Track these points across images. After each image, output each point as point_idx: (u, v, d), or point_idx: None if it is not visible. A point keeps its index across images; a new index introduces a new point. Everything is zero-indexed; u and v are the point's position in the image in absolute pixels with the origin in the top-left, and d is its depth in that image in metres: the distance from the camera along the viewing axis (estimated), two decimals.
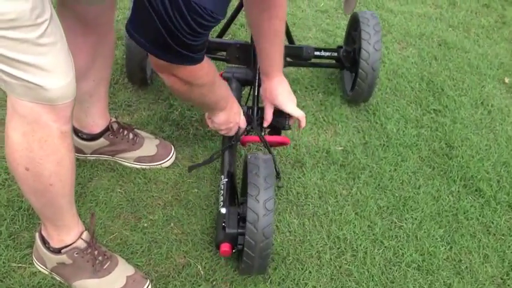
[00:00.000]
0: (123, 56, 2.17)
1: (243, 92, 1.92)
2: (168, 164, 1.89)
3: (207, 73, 1.33)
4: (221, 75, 1.82)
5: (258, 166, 1.49)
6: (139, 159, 1.86)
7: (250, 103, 1.79)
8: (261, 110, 1.74)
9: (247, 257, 1.47)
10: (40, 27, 1.11)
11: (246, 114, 1.70)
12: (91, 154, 1.85)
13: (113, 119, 1.83)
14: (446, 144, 2.14)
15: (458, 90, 2.43)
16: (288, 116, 1.69)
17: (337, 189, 1.90)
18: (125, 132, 1.84)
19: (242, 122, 1.67)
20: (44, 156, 1.27)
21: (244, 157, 1.60)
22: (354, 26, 2.20)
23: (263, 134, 1.74)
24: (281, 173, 1.64)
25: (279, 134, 1.77)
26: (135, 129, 1.90)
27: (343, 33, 2.49)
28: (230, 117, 1.60)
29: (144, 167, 1.86)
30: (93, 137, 1.80)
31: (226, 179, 1.62)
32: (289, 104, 1.67)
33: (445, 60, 2.61)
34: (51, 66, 1.16)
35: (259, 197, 1.43)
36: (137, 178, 1.83)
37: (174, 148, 1.92)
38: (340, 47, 2.26)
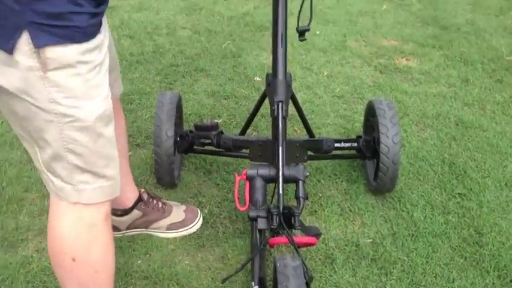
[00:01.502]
0: (152, 155, 2.22)
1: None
2: (197, 227, 2.02)
3: None
4: (245, 173, 1.83)
5: (287, 276, 1.45)
6: (170, 227, 1.98)
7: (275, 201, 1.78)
8: (288, 209, 1.73)
9: None
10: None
11: (271, 214, 1.71)
12: (126, 230, 1.95)
13: (142, 190, 1.95)
14: (475, 230, 2.13)
15: (481, 171, 2.44)
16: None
17: (371, 287, 1.88)
18: (155, 201, 1.97)
19: None
20: (93, 239, 1.31)
21: (273, 260, 1.59)
22: (371, 113, 2.22)
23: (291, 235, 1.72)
24: (312, 275, 1.61)
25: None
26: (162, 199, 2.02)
27: (361, 118, 2.54)
28: None
29: (176, 235, 1.98)
30: (127, 211, 1.92)
31: (257, 286, 1.62)
32: None
33: (464, 140, 2.63)
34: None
35: None
36: (170, 285, 1.83)
37: (200, 212, 2.07)
38: (359, 137, 2.26)
